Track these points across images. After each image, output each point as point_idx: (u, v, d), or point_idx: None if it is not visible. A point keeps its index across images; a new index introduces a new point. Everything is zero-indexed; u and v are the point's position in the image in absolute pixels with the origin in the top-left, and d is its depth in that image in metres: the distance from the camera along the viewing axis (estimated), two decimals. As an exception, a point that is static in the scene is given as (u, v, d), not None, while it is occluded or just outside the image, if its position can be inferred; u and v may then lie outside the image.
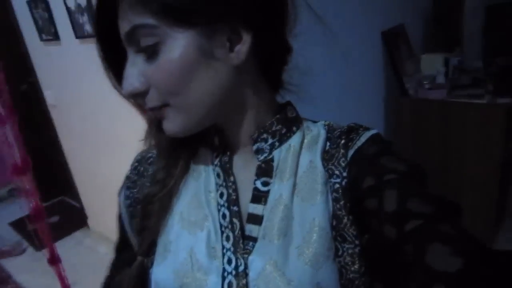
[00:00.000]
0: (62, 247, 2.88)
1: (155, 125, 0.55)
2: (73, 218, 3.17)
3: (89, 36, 1.91)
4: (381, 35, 2.17)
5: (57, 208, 3.44)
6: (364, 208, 0.47)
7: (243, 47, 0.47)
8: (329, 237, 0.49)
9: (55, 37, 2.16)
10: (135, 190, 0.60)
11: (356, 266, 0.49)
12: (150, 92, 0.47)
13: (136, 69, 0.46)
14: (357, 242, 0.49)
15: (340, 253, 0.49)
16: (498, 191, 2.05)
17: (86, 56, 1.94)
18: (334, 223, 0.50)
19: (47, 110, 2.75)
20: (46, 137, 3.14)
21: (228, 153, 0.56)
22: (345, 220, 0.50)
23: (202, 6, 0.44)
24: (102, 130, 2.28)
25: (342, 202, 0.50)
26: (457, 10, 2.38)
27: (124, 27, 0.45)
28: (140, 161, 0.62)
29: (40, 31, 2.27)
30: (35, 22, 2.26)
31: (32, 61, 2.58)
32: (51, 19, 2.11)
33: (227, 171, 0.55)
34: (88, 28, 1.89)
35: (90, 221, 3.01)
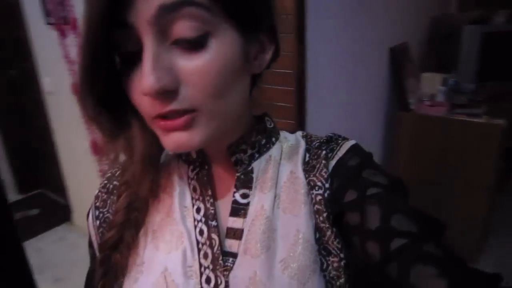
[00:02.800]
0: (44, 242, 2.76)
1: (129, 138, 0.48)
2: (55, 212, 3.04)
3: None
4: (389, 50, 2.26)
5: (36, 201, 3.29)
6: (346, 222, 0.47)
7: (266, 56, 0.47)
8: (314, 250, 0.47)
9: (64, 21, 2.09)
10: (105, 210, 0.56)
11: (341, 281, 0.47)
12: (182, 92, 0.39)
13: (165, 62, 0.38)
14: (341, 255, 0.48)
15: (325, 267, 0.47)
16: (487, 206, 2.17)
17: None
18: (317, 236, 0.48)
19: (39, 97, 2.64)
20: (35, 126, 3.02)
21: (206, 166, 0.52)
22: (328, 232, 0.48)
23: (259, 8, 0.43)
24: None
25: (325, 214, 0.48)
26: (455, 33, 2.52)
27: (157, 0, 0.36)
28: (109, 178, 0.57)
29: (47, 14, 2.20)
30: (44, 4, 2.19)
31: (33, 46, 2.48)
32: (61, 2, 2.05)
33: (204, 184, 0.52)
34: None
35: (75, 216, 2.90)
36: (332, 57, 1.76)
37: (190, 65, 0.39)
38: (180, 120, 0.40)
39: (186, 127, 0.41)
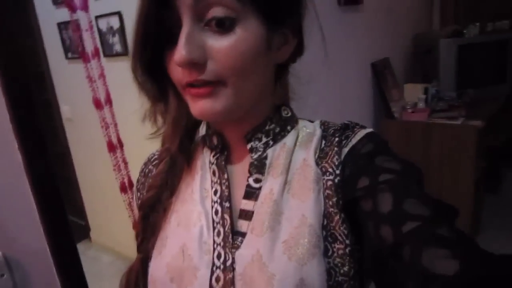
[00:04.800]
0: (66, 257, 2.97)
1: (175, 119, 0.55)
2: (75, 232, 3.25)
3: (117, 54, 2.16)
4: (370, 66, 2.50)
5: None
6: (360, 209, 0.47)
7: (289, 48, 0.52)
8: (317, 235, 0.48)
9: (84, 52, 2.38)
10: (144, 191, 0.63)
11: (345, 268, 0.48)
12: (209, 66, 0.46)
13: (197, 40, 0.45)
14: (347, 241, 0.49)
15: (330, 253, 0.48)
16: (472, 202, 2.34)
17: (111, 72, 2.18)
18: (325, 222, 0.49)
19: (59, 125, 2.92)
20: (56, 152, 3.28)
21: (226, 152, 0.58)
22: (336, 217, 0.49)
23: (285, 4, 0.49)
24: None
25: (334, 199, 0.50)
26: (434, 47, 2.76)
27: None
28: (146, 163, 0.66)
29: (66, 50, 2.50)
30: (63, 42, 2.50)
31: (52, 79, 2.79)
32: (80, 39, 2.35)
33: (221, 168, 0.57)
34: (117, 48, 2.14)
35: (92, 234, 3.13)
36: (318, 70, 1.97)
37: (218, 44, 0.45)
38: (206, 88, 0.47)
39: (210, 95, 0.47)
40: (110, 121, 1.91)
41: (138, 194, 0.65)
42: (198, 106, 0.48)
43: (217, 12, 0.44)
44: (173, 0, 0.45)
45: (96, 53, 1.89)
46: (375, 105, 2.60)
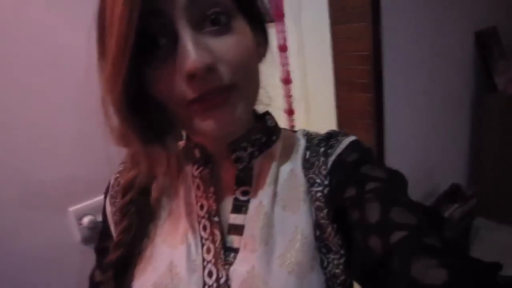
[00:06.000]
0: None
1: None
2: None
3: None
4: (474, 35, 2.32)
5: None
6: (348, 219, 0.46)
7: (262, 49, 0.52)
8: (313, 247, 0.47)
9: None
10: (117, 200, 0.57)
11: (342, 278, 0.47)
12: (221, 69, 0.41)
13: (202, 43, 0.40)
14: (342, 252, 0.48)
15: (325, 264, 0.47)
16: None
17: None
18: (318, 233, 0.48)
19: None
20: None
21: (210, 165, 0.54)
22: (329, 229, 0.48)
23: (257, 8, 0.49)
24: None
25: (325, 211, 0.49)
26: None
27: None
28: (121, 172, 0.60)
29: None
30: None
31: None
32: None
33: (206, 182, 0.54)
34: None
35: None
36: (411, 39, 1.89)
37: (223, 44, 0.41)
38: (222, 96, 0.42)
39: (226, 103, 0.43)
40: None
41: (112, 200, 0.59)
42: (215, 118, 0.42)
43: (212, 12, 0.41)
44: (164, 4, 0.39)
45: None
46: (476, 77, 2.43)
